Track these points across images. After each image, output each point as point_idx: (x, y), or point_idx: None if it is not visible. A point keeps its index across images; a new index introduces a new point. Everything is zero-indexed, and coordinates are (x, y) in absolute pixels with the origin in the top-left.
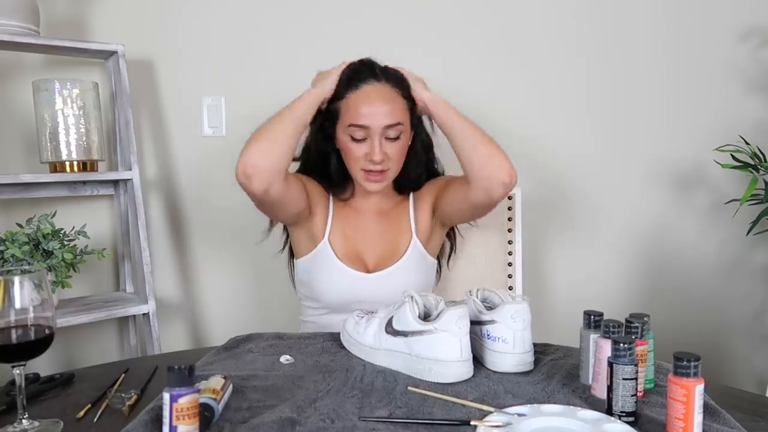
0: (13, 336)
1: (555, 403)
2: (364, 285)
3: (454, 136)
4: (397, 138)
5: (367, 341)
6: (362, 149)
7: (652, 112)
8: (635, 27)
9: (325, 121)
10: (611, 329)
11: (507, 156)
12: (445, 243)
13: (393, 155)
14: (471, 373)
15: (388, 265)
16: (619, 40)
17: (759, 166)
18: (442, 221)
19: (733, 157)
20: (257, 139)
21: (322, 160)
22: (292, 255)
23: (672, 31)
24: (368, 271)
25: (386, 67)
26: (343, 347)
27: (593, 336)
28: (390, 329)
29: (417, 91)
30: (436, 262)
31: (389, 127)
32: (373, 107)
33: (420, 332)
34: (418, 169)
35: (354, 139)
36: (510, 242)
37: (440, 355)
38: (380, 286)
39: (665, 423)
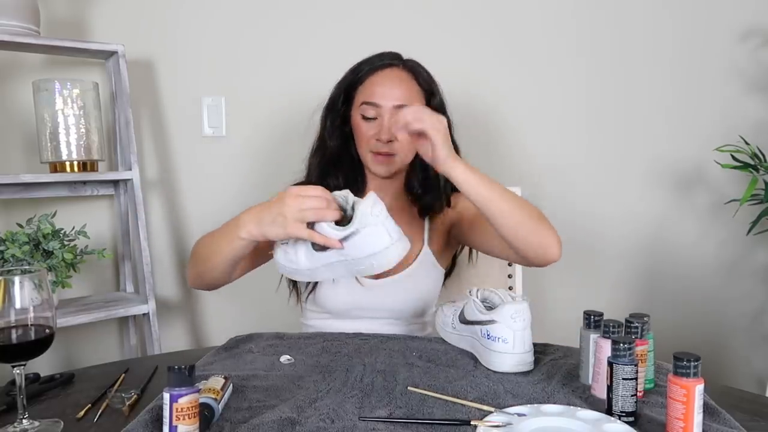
0: (13, 336)
1: (555, 403)
2: (371, 292)
3: (489, 214)
4: None
5: (302, 264)
6: (372, 129)
7: (652, 112)
8: (635, 27)
9: (342, 104)
10: (611, 329)
11: (554, 231)
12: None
13: (402, 139)
14: (408, 247)
15: (397, 271)
16: (619, 40)
17: (759, 166)
18: (459, 241)
19: (733, 157)
20: (191, 262)
21: (341, 148)
22: None
23: (672, 31)
24: (376, 277)
25: (411, 59)
26: (343, 347)
27: (593, 336)
28: (316, 247)
29: (438, 151)
30: (443, 271)
31: (399, 107)
32: (386, 87)
33: (345, 237)
34: (434, 179)
35: (365, 118)
36: None
37: (374, 248)
38: (387, 294)
39: (665, 423)
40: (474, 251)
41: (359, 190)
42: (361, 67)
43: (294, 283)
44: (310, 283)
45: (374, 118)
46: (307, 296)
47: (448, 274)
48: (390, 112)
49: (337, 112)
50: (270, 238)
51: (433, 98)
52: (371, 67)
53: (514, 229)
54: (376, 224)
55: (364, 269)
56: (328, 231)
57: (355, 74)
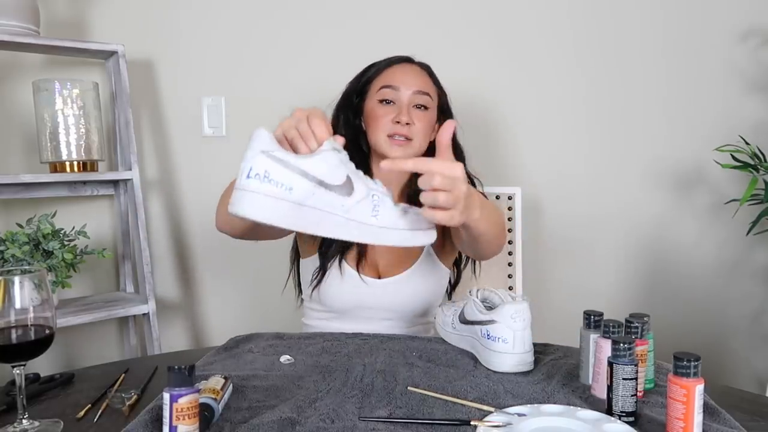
0: (13, 336)
1: (555, 403)
2: (374, 291)
3: (476, 237)
4: (425, 108)
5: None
6: (390, 113)
7: (652, 112)
8: (634, 27)
9: (357, 98)
10: (611, 329)
11: (506, 232)
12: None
13: (419, 125)
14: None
15: (400, 271)
16: (619, 40)
17: (759, 166)
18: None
19: (733, 157)
20: (221, 201)
21: (352, 141)
22: (297, 255)
23: (671, 31)
24: (378, 277)
25: (423, 62)
26: (343, 347)
27: (593, 336)
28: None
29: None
30: (448, 271)
31: (418, 93)
32: (407, 75)
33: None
34: None
35: (383, 102)
36: (510, 242)
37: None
38: (390, 293)
39: (665, 423)
40: (478, 264)
41: None
42: (377, 63)
43: (299, 283)
44: (314, 279)
45: (392, 102)
46: (311, 292)
47: (454, 286)
48: (409, 99)
49: (350, 106)
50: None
51: (445, 97)
52: (388, 62)
53: (488, 243)
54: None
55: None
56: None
57: (372, 68)
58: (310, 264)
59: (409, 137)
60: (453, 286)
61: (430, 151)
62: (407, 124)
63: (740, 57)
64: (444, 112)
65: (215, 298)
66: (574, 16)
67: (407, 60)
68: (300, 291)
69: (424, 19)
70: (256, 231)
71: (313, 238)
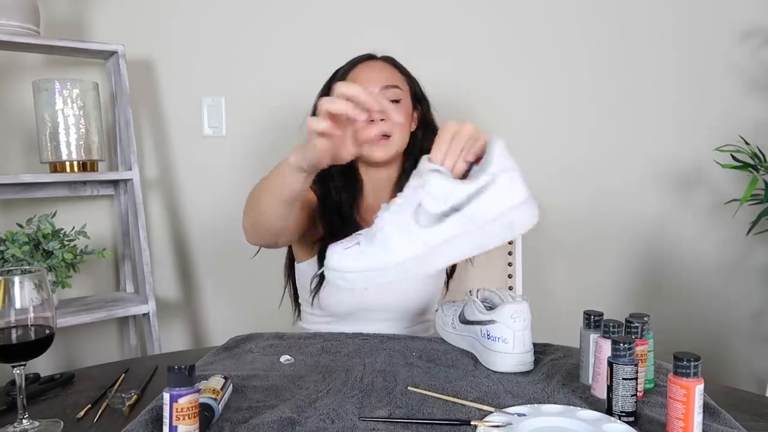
0: (13, 336)
1: (555, 403)
2: (372, 293)
3: None
4: (397, 102)
5: (400, 252)
6: None
7: (653, 113)
8: (636, 27)
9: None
10: (611, 329)
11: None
12: None
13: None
14: None
15: None
16: (620, 40)
17: (759, 166)
18: None
19: (733, 157)
20: (245, 213)
21: None
22: (291, 270)
23: (673, 31)
24: None
25: (386, 55)
26: (343, 347)
27: (593, 336)
28: (423, 219)
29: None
30: (445, 270)
31: (387, 87)
32: (372, 72)
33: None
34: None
35: None
36: (510, 242)
37: (512, 200)
38: (389, 294)
39: (665, 423)
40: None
41: (356, 190)
42: (340, 68)
43: (295, 297)
44: (313, 286)
45: None
46: (313, 300)
47: (449, 277)
48: (379, 94)
49: None
50: (313, 162)
51: (416, 84)
52: (351, 64)
53: None
54: (515, 169)
55: (499, 232)
56: (450, 186)
57: (336, 73)
58: (306, 268)
59: (387, 133)
60: (449, 276)
61: (412, 141)
62: (382, 120)
63: (741, 57)
64: (419, 100)
65: (215, 299)
66: (577, 15)
67: (369, 57)
68: (297, 305)
69: (423, 18)
70: (290, 231)
71: (312, 242)
